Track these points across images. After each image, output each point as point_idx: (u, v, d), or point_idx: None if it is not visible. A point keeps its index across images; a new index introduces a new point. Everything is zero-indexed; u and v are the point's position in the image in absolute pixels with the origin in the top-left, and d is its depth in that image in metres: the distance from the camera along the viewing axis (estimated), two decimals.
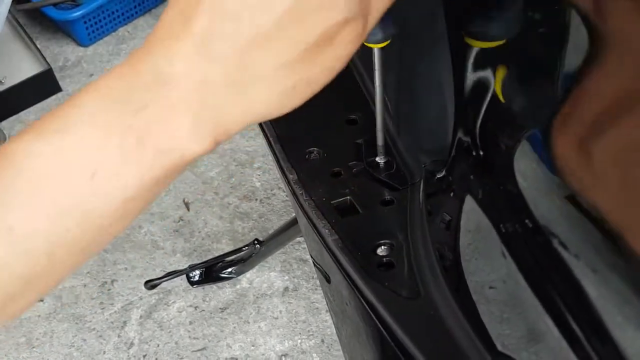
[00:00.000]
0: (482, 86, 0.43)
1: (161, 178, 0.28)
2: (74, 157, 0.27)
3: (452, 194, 0.51)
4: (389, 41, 0.42)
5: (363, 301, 0.45)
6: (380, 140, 0.51)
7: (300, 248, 1.19)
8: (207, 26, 0.27)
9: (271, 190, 1.27)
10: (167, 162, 0.28)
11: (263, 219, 1.24)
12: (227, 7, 0.26)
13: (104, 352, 1.11)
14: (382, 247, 0.47)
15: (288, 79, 0.28)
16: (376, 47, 0.44)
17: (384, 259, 0.46)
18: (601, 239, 0.31)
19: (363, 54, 0.37)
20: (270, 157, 0.63)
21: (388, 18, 0.36)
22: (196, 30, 0.27)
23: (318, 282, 1.14)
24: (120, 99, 0.27)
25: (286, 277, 1.16)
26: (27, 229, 0.27)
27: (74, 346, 1.12)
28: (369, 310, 0.44)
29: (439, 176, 0.53)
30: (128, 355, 1.10)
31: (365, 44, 0.39)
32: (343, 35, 0.27)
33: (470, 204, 0.49)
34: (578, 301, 0.33)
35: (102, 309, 1.16)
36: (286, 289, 1.15)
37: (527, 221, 0.40)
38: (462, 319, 0.39)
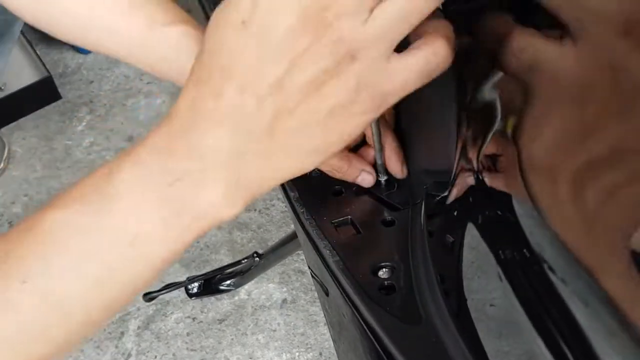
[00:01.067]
0: (486, 110, 0.43)
1: (196, 238, 0.31)
2: (115, 231, 0.29)
3: (454, 215, 0.51)
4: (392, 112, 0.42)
5: (364, 325, 0.45)
6: (379, 159, 0.51)
7: (298, 260, 1.19)
8: (236, 104, 0.28)
9: (270, 201, 1.27)
10: (201, 227, 0.30)
11: (262, 229, 1.24)
12: (253, 86, 0.28)
13: None
14: (383, 269, 0.47)
15: (309, 144, 0.30)
16: None
17: (385, 282, 0.46)
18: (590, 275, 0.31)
19: None
20: None
21: None
22: (226, 108, 0.29)
23: (316, 295, 1.14)
24: (156, 173, 0.29)
25: (284, 289, 1.16)
26: (66, 294, 0.29)
27: (71, 357, 1.11)
28: (370, 335, 0.44)
29: (441, 197, 0.53)
30: None
31: None
32: (360, 108, 0.29)
33: (470, 227, 0.48)
34: (570, 329, 0.34)
35: None
36: (284, 300, 1.15)
37: (523, 249, 0.40)
38: (463, 347, 0.39)
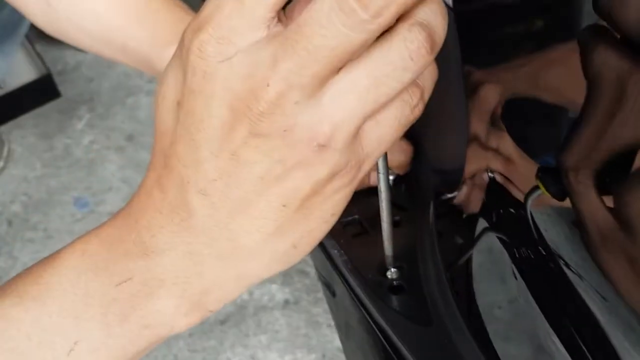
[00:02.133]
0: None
1: (146, 349, 0.27)
2: (53, 329, 0.26)
3: (463, 216, 0.51)
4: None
5: (374, 325, 0.44)
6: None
7: (301, 261, 1.18)
8: (179, 200, 0.24)
9: None
10: (151, 336, 0.27)
11: None
12: (198, 178, 0.24)
13: None
14: (392, 269, 0.46)
15: (282, 243, 0.25)
16: None
17: (395, 282, 0.46)
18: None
19: None
20: None
21: None
22: (174, 202, 0.24)
23: (319, 295, 1.13)
24: (104, 268, 0.26)
25: (287, 290, 1.15)
26: None
27: None
28: (380, 336, 0.44)
29: (450, 196, 0.52)
30: None
31: None
32: (333, 186, 0.24)
33: (482, 227, 0.48)
34: (587, 326, 0.33)
35: None
36: (287, 301, 1.14)
37: (538, 246, 0.39)
38: (475, 348, 0.38)
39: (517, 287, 0.42)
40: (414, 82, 0.23)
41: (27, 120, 1.48)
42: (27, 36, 1.52)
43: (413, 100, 0.24)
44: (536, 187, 0.34)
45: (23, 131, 1.46)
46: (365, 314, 0.46)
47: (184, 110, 0.23)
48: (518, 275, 0.42)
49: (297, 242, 0.25)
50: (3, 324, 0.26)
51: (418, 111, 0.24)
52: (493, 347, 0.40)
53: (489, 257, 0.49)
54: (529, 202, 0.37)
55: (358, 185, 0.42)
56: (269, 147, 0.22)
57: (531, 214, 0.38)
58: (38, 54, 1.49)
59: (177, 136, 0.24)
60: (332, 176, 0.23)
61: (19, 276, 0.28)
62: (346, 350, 0.64)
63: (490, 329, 0.44)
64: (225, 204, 0.24)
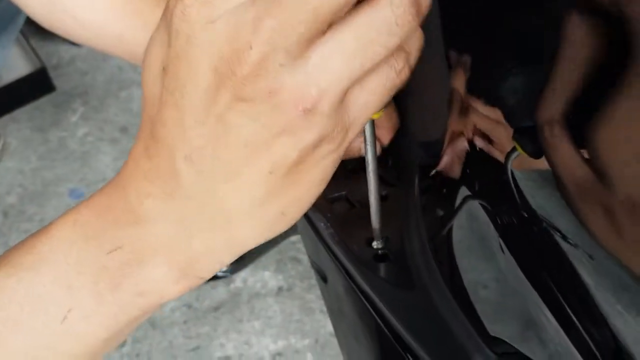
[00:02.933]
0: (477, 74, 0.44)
1: (138, 317, 0.27)
2: (46, 298, 0.26)
3: (446, 189, 0.52)
4: (382, 111, 0.34)
5: (358, 292, 0.45)
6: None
7: (294, 248, 1.19)
8: (167, 167, 0.24)
9: None
10: (143, 303, 0.26)
11: None
12: (184, 145, 0.23)
13: None
14: (378, 240, 0.47)
15: (270, 210, 0.24)
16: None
17: (379, 251, 0.47)
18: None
19: None
20: None
21: None
22: (161, 170, 0.24)
23: (312, 282, 1.14)
24: (95, 237, 0.26)
25: (280, 277, 1.16)
26: None
27: None
28: (365, 302, 0.45)
29: (433, 171, 0.53)
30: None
31: None
32: (320, 153, 0.24)
33: (464, 198, 0.49)
34: (576, 291, 0.34)
35: None
36: (280, 288, 1.15)
37: (523, 213, 0.40)
38: (455, 307, 0.39)
39: (504, 259, 0.43)
40: (399, 47, 0.23)
41: (22, 113, 1.48)
42: (21, 31, 1.53)
43: (398, 64, 0.23)
44: (514, 148, 0.35)
45: (18, 124, 1.47)
46: (352, 283, 0.47)
47: (169, 75, 0.23)
48: (504, 247, 0.43)
49: (285, 209, 0.25)
50: None
51: (404, 75, 0.24)
52: (474, 309, 0.41)
53: (473, 233, 0.50)
54: (509, 164, 0.38)
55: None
56: (255, 112, 0.22)
57: (512, 176, 0.39)
58: (33, 49, 1.49)
59: (162, 103, 0.23)
60: (319, 142, 0.23)
61: (13, 248, 0.28)
62: (338, 334, 0.65)
63: (476, 309, 0.45)
64: (212, 171, 0.23)
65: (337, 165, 0.25)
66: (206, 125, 0.23)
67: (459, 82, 0.45)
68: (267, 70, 0.21)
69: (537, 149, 0.33)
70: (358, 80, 0.23)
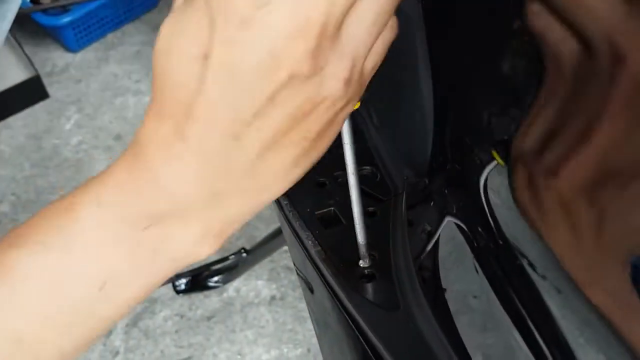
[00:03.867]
0: (459, 99, 0.44)
1: (170, 276, 0.30)
2: (83, 276, 0.27)
3: (432, 203, 0.52)
4: (358, 103, 0.35)
5: (344, 313, 0.45)
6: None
7: (287, 257, 1.19)
8: (204, 146, 0.25)
9: None
10: (176, 267, 0.29)
11: (250, 227, 1.24)
12: (232, 124, 0.25)
13: None
14: (364, 258, 0.47)
15: (297, 171, 0.27)
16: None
17: (366, 270, 0.47)
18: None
19: None
20: None
21: None
22: (194, 147, 0.25)
23: None
24: (126, 218, 0.27)
25: (273, 286, 1.16)
26: (37, 339, 0.28)
27: None
28: (350, 322, 0.45)
29: (420, 187, 0.53)
30: None
31: None
32: (343, 115, 0.27)
33: (445, 219, 0.49)
34: (545, 320, 0.34)
35: None
36: (273, 297, 1.15)
37: (498, 239, 0.40)
38: (438, 331, 0.39)
39: (479, 279, 0.43)
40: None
41: (15, 121, 1.48)
42: (15, 38, 1.53)
43: (392, 23, 0.27)
44: (491, 158, 0.35)
45: (12, 132, 1.46)
46: (336, 301, 0.47)
47: (217, 60, 0.23)
48: (478, 268, 0.43)
49: (304, 172, 0.28)
50: (35, 272, 0.27)
51: (394, 28, 0.27)
52: (457, 330, 0.41)
53: (459, 245, 0.50)
54: (485, 173, 0.38)
55: None
56: (305, 86, 0.24)
57: (487, 200, 0.39)
58: (27, 56, 1.49)
59: (205, 86, 0.24)
60: (345, 105, 0.26)
61: (33, 226, 0.28)
62: (322, 344, 0.65)
63: (465, 319, 0.45)
64: (255, 146, 0.25)
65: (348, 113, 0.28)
66: (257, 103, 0.24)
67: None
68: (321, 47, 0.23)
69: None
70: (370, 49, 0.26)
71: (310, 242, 0.51)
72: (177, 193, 0.27)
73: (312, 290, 0.57)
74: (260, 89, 0.24)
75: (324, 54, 0.24)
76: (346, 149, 0.40)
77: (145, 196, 0.27)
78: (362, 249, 0.46)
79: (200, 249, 0.28)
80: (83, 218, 0.27)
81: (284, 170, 0.27)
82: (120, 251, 0.27)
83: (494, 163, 0.36)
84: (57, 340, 0.28)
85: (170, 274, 0.29)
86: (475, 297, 0.49)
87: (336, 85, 0.25)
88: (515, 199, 0.32)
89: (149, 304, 1.16)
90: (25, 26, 1.64)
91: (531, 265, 0.34)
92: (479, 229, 0.41)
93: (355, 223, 0.45)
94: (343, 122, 0.27)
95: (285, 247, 1.14)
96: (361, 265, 0.47)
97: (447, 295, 0.48)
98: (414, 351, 0.39)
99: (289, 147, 0.26)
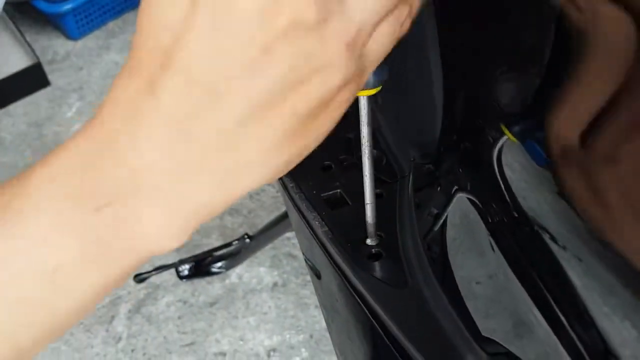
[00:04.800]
0: (469, 79, 0.44)
1: (129, 272, 0.25)
2: (31, 261, 0.24)
3: (439, 188, 0.52)
4: (380, 87, 0.35)
5: (352, 290, 0.45)
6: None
7: (289, 244, 1.19)
8: (180, 100, 0.22)
9: (261, 187, 1.27)
10: (134, 260, 0.25)
11: (253, 214, 1.24)
12: (215, 75, 0.21)
13: (92, 347, 1.11)
14: (372, 238, 0.48)
15: (279, 158, 0.23)
16: (363, 95, 0.37)
17: (373, 249, 0.47)
18: (588, 230, 0.31)
19: None
20: None
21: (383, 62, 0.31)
22: (167, 104, 0.22)
23: (307, 278, 1.14)
24: (80, 194, 0.23)
25: (275, 273, 1.16)
26: None
27: (61, 340, 1.12)
28: (358, 299, 0.45)
29: (427, 170, 0.53)
30: (116, 350, 1.10)
31: None
32: (340, 98, 0.23)
33: (457, 197, 0.49)
34: (565, 292, 0.34)
35: None
36: (275, 284, 1.15)
37: (514, 213, 0.40)
38: (448, 306, 0.40)
39: (495, 258, 0.44)
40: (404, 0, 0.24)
41: (17, 108, 1.48)
42: (16, 25, 1.52)
43: (402, 16, 0.24)
44: (501, 133, 0.36)
45: (13, 119, 1.46)
46: (345, 282, 0.47)
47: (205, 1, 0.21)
48: (494, 245, 0.44)
49: (291, 159, 0.24)
50: None
51: (405, 27, 0.25)
52: (467, 308, 0.42)
53: (466, 230, 0.50)
54: (496, 149, 0.38)
55: None
56: (304, 41, 0.21)
57: (503, 175, 0.39)
58: (28, 43, 1.49)
59: (188, 28, 0.21)
60: (345, 85, 0.23)
61: None
62: (331, 330, 0.65)
63: (469, 305, 0.45)
64: (237, 108, 0.21)
65: (349, 104, 0.25)
66: (248, 55, 0.21)
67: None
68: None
69: (522, 132, 0.34)
70: (375, 26, 0.23)
71: (317, 222, 0.51)
72: (137, 165, 0.23)
73: (319, 276, 0.57)
74: (255, 35, 0.21)
75: (330, 4, 0.21)
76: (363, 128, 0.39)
77: (99, 170, 0.23)
78: (370, 228, 0.47)
79: (161, 241, 0.24)
80: (33, 195, 0.23)
81: (267, 149, 0.23)
82: (68, 236, 0.23)
83: (505, 138, 0.37)
84: (11, 334, 0.25)
85: (130, 268, 0.25)
86: (478, 283, 0.49)
87: (337, 47, 0.22)
88: (568, 196, 0.31)
89: (152, 290, 1.16)
90: (26, 13, 1.63)
91: (551, 236, 0.35)
92: (494, 205, 0.41)
93: (365, 201, 0.45)
94: (340, 110, 0.24)
95: (288, 235, 1.15)
96: (368, 244, 0.47)
97: (452, 269, 0.48)
98: (423, 326, 0.39)
99: (275, 121, 0.22)
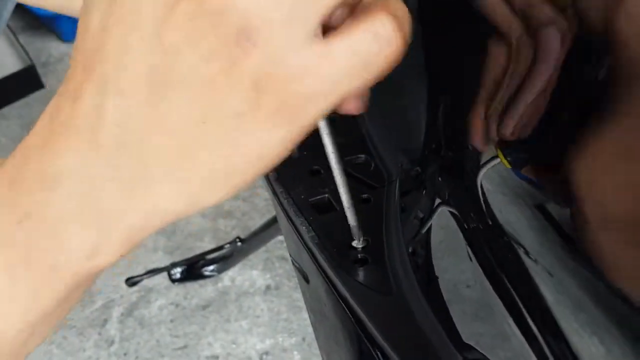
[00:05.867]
0: (453, 86, 0.44)
1: (64, 295, 0.23)
2: None
3: (424, 192, 0.52)
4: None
5: (337, 295, 0.46)
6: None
7: (282, 247, 1.19)
8: (94, 106, 0.20)
9: (254, 189, 1.27)
10: (60, 280, 0.23)
11: (246, 217, 1.24)
12: (121, 74, 0.20)
13: (84, 350, 1.11)
14: (358, 243, 0.48)
15: (198, 174, 0.21)
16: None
17: (359, 254, 0.47)
18: (561, 245, 0.32)
19: None
20: None
21: None
22: (84, 113, 0.21)
23: None
24: (4, 205, 0.22)
25: (268, 276, 1.16)
26: None
27: (54, 344, 1.11)
28: (343, 305, 0.45)
29: (413, 174, 0.54)
30: (108, 353, 1.10)
31: None
32: (264, 115, 0.20)
33: (437, 205, 0.50)
34: (537, 305, 0.34)
35: (83, 306, 1.16)
36: (268, 287, 1.15)
37: (490, 223, 0.40)
38: (430, 314, 0.40)
39: (472, 267, 0.44)
40: (383, 5, 0.20)
41: (11, 110, 1.48)
42: (10, 28, 1.52)
43: (386, 30, 0.19)
44: (494, 156, 0.36)
45: (7, 122, 1.46)
46: (331, 287, 0.48)
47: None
48: (471, 255, 0.44)
49: (213, 177, 0.21)
50: None
51: (396, 50, 0.20)
52: (449, 314, 0.42)
53: (450, 234, 0.50)
54: (483, 171, 0.39)
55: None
56: (198, 36, 0.19)
57: (482, 187, 0.40)
58: (22, 46, 1.49)
59: (104, 29, 0.20)
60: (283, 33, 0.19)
61: None
62: (318, 334, 0.65)
63: (458, 308, 0.46)
64: (144, 107, 0.20)
65: (285, 148, 0.21)
66: (152, 48, 0.20)
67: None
68: None
69: (517, 160, 0.33)
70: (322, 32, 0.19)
71: (304, 227, 0.51)
72: (55, 173, 0.21)
73: (307, 280, 0.57)
74: (159, 23, 0.19)
75: None
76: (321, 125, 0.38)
77: (25, 180, 0.22)
78: (354, 230, 0.47)
79: (91, 257, 0.22)
80: None
81: (174, 159, 0.21)
82: None
83: (489, 165, 0.37)
84: None
85: (59, 292, 0.23)
86: (468, 286, 0.49)
87: (233, 41, 0.19)
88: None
89: (144, 293, 1.16)
90: (21, 16, 1.64)
91: (524, 250, 0.35)
92: (471, 215, 0.42)
93: (343, 204, 0.45)
94: (281, 125, 0.20)
95: (280, 237, 1.15)
96: (354, 246, 0.47)
97: (440, 285, 0.48)
98: (406, 334, 0.39)
99: (184, 126, 0.20)
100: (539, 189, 0.34)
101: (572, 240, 0.30)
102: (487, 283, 0.39)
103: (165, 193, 0.21)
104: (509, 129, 0.30)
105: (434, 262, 0.49)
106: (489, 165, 0.39)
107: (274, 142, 0.21)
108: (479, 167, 0.39)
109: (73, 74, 0.21)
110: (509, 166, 0.35)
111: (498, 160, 0.36)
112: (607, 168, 0.25)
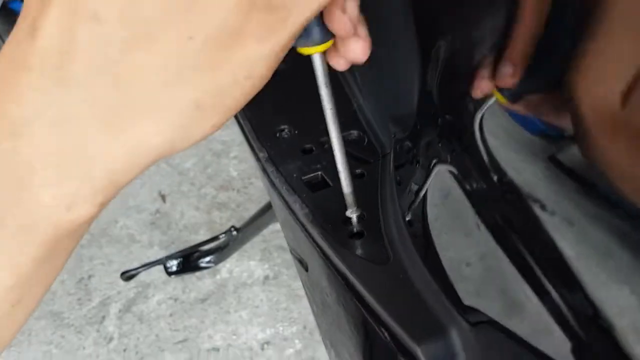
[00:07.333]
0: (446, 49, 0.43)
1: (43, 255, 0.21)
2: None
3: (418, 164, 0.51)
4: (331, 41, 0.28)
5: (334, 271, 0.45)
6: (340, 167, 0.43)
7: (280, 236, 1.18)
8: (54, 41, 0.19)
9: (248, 179, 1.26)
10: (40, 237, 0.21)
11: (241, 208, 1.23)
12: (80, 11, 0.18)
13: (84, 348, 1.10)
14: (353, 217, 0.47)
15: (182, 97, 0.20)
16: (314, 53, 0.30)
17: (355, 229, 0.46)
18: (579, 191, 0.31)
19: None
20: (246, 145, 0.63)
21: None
22: (46, 43, 0.19)
23: None
24: None
25: (266, 266, 1.15)
26: None
27: (52, 343, 1.10)
28: (342, 281, 0.44)
29: (407, 146, 0.53)
30: (108, 350, 1.09)
31: (298, 49, 0.26)
32: (253, 28, 0.19)
33: (438, 171, 0.49)
34: (556, 264, 0.33)
35: (80, 304, 1.15)
36: (266, 277, 1.14)
37: (497, 182, 0.40)
38: (428, 277, 0.39)
39: (481, 236, 0.43)
40: None
41: None
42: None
43: None
44: (490, 96, 0.35)
45: None
46: (328, 263, 0.47)
47: None
48: (480, 223, 0.43)
49: (200, 100, 0.20)
50: None
51: None
52: (448, 278, 0.41)
53: (449, 211, 0.50)
54: (483, 111, 0.37)
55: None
56: None
57: (485, 141, 0.39)
58: None
59: None
60: (249, 11, 0.19)
61: None
62: (320, 323, 0.65)
63: (459, 287, 0.45)
64: (120, 32, 0.18)
65: (275, 62, 0.20)
66: None
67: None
68: None
69: (513, 95, 0.33)
70: None
71: (297, 205, 0.50)
72: (17, 120, 0.19)
73: (306, 268, 0.56)
74: None
75: None
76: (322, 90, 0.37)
77: None
78: (349, 198, 0.45)
79: (60, 211, 0.20)
80: None
81: (159, 86, 0.19)
82: None
83: (486, 105, 0.36)
84: None
85: (37, 251, 0.21)
86: (468, 265, 0.49)
87: None
88: (599, 164, 0.28)
89: (142, 289, 1.15)
90: (7, 18, 1.62)
91: (538, 202, 0.34)
92: (476, 175, 0.41)
93: (338, 168, 0.43)
94: (264, 47, 0.19)
95: (277, 227, 1.14)
96: (350, 224, 0.47)
97: (434, 242, 0.47)
98: (404, 300, 0.38)
99: (167, 48, 0.19)
100: (531, 130, 0.33)
101: (590, 184, 0.29)
102: (498, 250, 0.38)
103: (149, 125, 0.20)
104: (511, 70, 0.29)
105: (434, 240, 0.49)
106: (486, 105, 0.38)
107: (261, 57, 0.20)
108: (477, 119, 0.38)
109: (28, 7, 0.19)
110: (504, 101, 0.34)
111: (494, 98, 0.35)
112: (603, 73, 0.25)
